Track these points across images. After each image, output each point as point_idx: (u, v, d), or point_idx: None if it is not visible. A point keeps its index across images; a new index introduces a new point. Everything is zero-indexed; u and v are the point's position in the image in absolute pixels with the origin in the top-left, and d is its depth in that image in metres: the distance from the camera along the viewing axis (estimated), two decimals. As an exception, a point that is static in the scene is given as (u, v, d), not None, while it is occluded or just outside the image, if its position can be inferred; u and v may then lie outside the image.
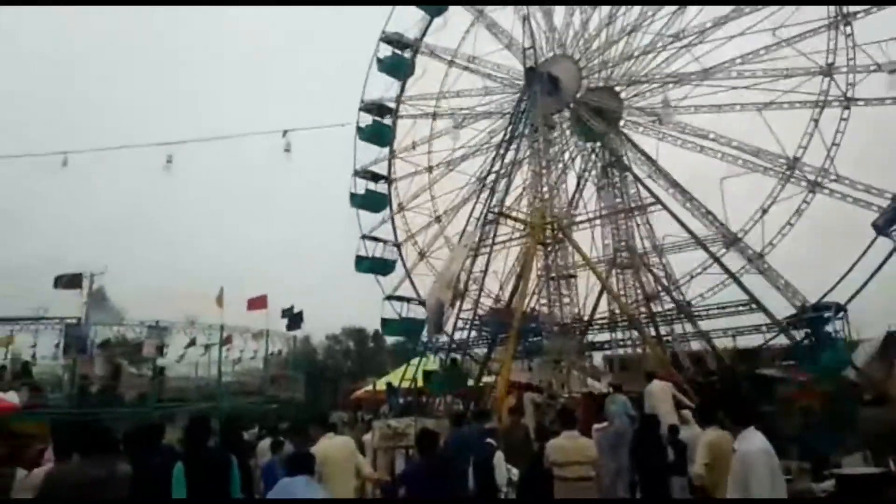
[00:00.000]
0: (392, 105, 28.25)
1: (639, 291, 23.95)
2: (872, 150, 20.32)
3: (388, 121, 28.25)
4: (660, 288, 23.88)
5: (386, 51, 27.48)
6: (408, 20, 27.47)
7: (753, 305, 19.62)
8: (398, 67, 27.51)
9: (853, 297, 17.84)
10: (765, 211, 21.29)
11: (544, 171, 21.92)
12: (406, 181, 28.80)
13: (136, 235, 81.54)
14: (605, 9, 24.29)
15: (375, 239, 27.80)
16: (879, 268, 17.23)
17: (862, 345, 18.13)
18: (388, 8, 27.48)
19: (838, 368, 15.99)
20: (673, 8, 22.50)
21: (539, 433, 10.77)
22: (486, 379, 19.93)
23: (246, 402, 22.67)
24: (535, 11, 25.15)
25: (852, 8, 19.13)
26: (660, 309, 23.66)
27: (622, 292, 23.64)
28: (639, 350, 23.04)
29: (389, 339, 53.38)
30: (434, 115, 28.19)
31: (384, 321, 26.45)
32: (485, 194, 22.43)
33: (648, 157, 23.93)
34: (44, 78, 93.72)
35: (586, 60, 24.40)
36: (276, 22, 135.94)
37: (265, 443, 11.25)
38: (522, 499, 8.26)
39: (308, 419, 8.85)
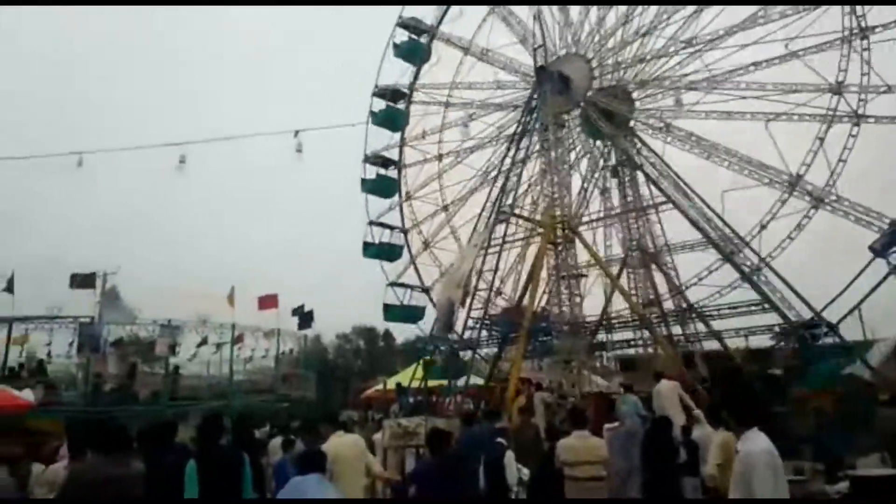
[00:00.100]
0: (406, 90, 28.27)
1: (650, 291, 23.86)
2: (875, 168, 20.15)
3: (401, 105, 28.27)
4: (671, 287, 23.76)
5: (402, 36, 27.51)
6: (422, 9, 27.72)
7: (766, 305, 19.51)
8: (414, 52, 27.48)
9: (844, 317, 18.08)
10: (763, 227, 21.27)
11: (554, 170, 21.87)
12: (415, 169, 28.90)
13: (137, 235, 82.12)
14: (622, 8, 24.22)
15: (382, 225, 27.95)
16: (873, 290, 17.46)
17: (877, 344, 17.91)
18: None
19: (828, 383, 15.96)
20: (688, 12, 22.36)
21: (550, 433, 10.76)
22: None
23: (257, 401, 22.78)
24: (551, 7, 25.16)
25: (871, 21, 18.91)
26: (671, 307, 23.58)
27: (633, 291, 23.56)
28: (650, 350, 22.95)
29: (399, 339, 53.82)
30: (447, 104, 28.19)
31: (386, 307, 26.73)
32: (495, 192, 22.46)
33: (659, 158, 23.83)
34: (44, 78, 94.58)
35: (599, 60, 24.33)
36: (276, 22, 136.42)
37: (276, 441, 11.31)
38: (533, 498, 8.25)
39: (319, 418, 8.88)
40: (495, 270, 22.05)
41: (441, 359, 20.95)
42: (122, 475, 4.89)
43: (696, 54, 22.08)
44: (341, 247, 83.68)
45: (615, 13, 24.40)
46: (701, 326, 22.57)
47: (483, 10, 26.75)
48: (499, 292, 24.34)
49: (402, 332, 48.92)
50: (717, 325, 21.94)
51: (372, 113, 27.53)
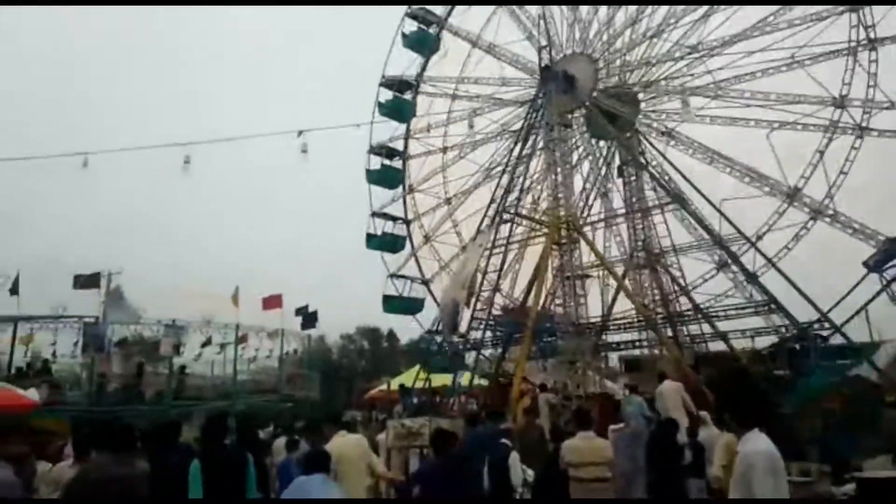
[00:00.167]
0: (413, 81, 28.20)
1: (656, 292, 23.78)
2: (876, 182, 20.09)
3: (408, 96, 28.26)
4: (677, 288, 23.69)
5: (411, 26, 27.46)
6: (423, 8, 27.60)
7: (772, 305, 19.43)
8: (423, 42, 27.36)
9: (835, 331, 18.00)
10: (759, 237, 21.23)
11: (559, 170, 21.81)
12: (418, 161, 28.88)
13: (138, 235, 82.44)
14: (632, 8, 24.13)
15: (385, 216, 27.95)
16: (865, 305, 17.42)
17: (884, 346, 17.90)
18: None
19: (817, 395, 15.93)
20: (697, 16, 22.28)
21: (554, 434, 10.72)
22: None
23: (261, 401, 22.83)
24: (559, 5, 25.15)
25: (881, 33, 18.78)
26: (677, 308, 23.50)
27: (637, 293, 23.49)
28: (655, 351, 22.88)
29: (403, 340, 53.84)
30: (453, 96, 28.13)
31: (386, 298, 26.75)
32: (499, 192, 22.41)
33: (665, 158, 23.76)
34: (44, 78, 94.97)
35: (605, 60, 24.27)
36: (276, 22, 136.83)
37: (280, 441, 11.30)
38: (538, 499, 8.21)
39: (323, 418, 8.87)
40: (499, 271, 22.04)
41: (444, 358, 20.93)
42: (127, 475, 4.89)
43: (702, 60, 22.02)
44: (343, 247, 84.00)
45: (624, 13, 24.34)
46: (707, 328, 22.53)
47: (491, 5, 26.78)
48: (497, 289, 24.34)
49: (406, 333, 48.92)
50: (722, 326, 21.93)
51: (379, 103, 27.47)
